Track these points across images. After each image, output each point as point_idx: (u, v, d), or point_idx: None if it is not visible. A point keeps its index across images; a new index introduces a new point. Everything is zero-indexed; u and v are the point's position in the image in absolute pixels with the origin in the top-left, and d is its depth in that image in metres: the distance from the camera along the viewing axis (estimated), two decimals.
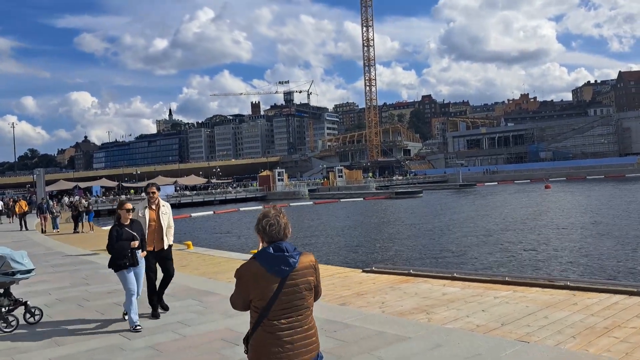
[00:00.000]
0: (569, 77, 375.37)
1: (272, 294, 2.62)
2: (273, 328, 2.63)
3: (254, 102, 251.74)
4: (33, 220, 28.13)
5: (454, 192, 72.73)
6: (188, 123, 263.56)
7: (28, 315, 7.06)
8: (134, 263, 6.44)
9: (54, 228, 24.42)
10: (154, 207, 7.19)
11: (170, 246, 7.29)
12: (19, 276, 6.92)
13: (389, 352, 5.05)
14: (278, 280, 2.63)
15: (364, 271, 10.37)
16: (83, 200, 27.23)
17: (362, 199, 60.99)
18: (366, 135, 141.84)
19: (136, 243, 6.45)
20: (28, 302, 7.12)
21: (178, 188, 78.11)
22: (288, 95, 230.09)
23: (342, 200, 59.64)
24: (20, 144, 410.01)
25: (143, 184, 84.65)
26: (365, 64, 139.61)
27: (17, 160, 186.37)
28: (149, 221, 7.03)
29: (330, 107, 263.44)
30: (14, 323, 6.67)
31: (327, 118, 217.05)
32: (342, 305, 7.44)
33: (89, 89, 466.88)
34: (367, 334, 5.69)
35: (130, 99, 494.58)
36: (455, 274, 8.81)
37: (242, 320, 6.57)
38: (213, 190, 77.78)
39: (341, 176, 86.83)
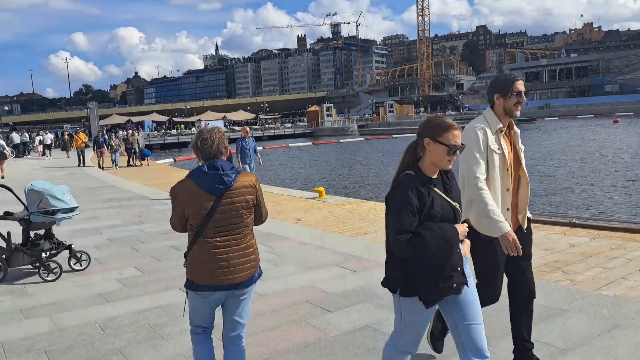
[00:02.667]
0: (635, 4, 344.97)
1: (207, 212, 2.58)
2: (208, 245, 2.61)
3: (299, 36, 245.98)
4: (90, 154, 27.66)
5: None
6: (234, 58, 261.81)
7: (74, 261, 6.06)
8: (459, 287, 2.43)
9: (113, 164, 22.63)
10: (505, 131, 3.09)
11: (529, 220, 3.22)
12: (60, 215, 5.85)
13: (548, 331, 3.62)
14: (213, 199, 2.60)
15: None
16: (136, 134, 26.62)
17: (415, 134, 58.56)
18: (417, 69, 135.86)
19: (465, 229, 2.46)
20: (73, 246, 6.10)
21: (227, 123, 77.63)
22: (335, 27, 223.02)
23: (394, 136, 57.51)
24: (75, 80, 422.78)
25: (193, 118, 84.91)
26: None
27: (72, 95, 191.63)
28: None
29: (379, 39, 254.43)
30: (56, 270, 5.66)
31: (376, 51, 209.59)
32: None
33: (136, 24, 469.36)
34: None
35: (175, 34, 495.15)
36: (574, 220, 7.20)
37: (326, 275, 5.31)
38: (261, 126, 76.92)
39: (392, 111, 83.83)
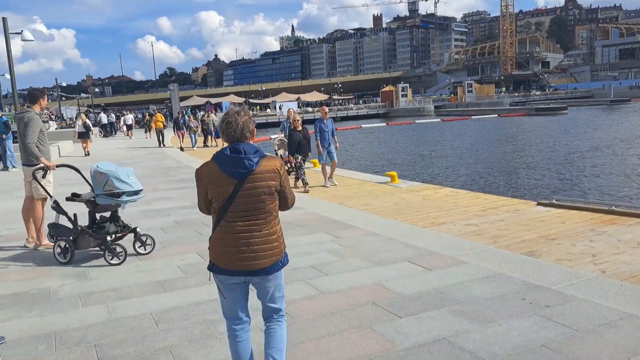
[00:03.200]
0: None
1: (229, 196, 2.53)
2: (229, 229, 2.57)
3: (375, 15, 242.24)
4: (170, 135, 28.34)
5: (604, 108, 64.00)
6: (309, 39, 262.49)
7: (138, 244, 5.96)
8: None
9: (192, 145, 22.87)
10: None
11: None
12: (125, 198, 5.73)
13: None
14: (234, 183, 2.54)
15: (539, 204, 8.05)
16: (212, 114, 27.06)
17: (496, 115, 55.85)
18: (499, 47, 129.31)
19: None
20: (138, 229, 6.00)
21: (301, 104, 77.97)
22: (412, 5, 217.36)
23: (473, 117, 55.07)
24: (160, 63, 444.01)
25: (268, 100, 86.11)
26: None
27: (157, 78, 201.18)
28: None
29: (458, 16, 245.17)
30: (121, 254, 5.56)
31: (455, 29, 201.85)
32: (530, 254, 5.36)
33: (216, 7, 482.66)
34: (610, 316, 3.60)
35: (253, 16, 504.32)
36: None
37: (396, 272, 4.82)
38: (334, 107, 76.54)
39: (470, 91, 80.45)
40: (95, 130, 31.03)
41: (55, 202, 5.95)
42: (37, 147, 6.22)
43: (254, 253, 2.56)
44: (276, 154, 13.13)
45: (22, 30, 16.13)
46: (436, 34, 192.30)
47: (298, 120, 10.90)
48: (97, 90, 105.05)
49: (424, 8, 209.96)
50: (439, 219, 7.34)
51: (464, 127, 44.36)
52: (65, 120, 49.52)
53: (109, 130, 35.81)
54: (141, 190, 5.92)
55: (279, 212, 2.73)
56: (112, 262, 5.54)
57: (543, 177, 16.95)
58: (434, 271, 4.79)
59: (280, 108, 66.44)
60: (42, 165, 6.11)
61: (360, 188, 10.48)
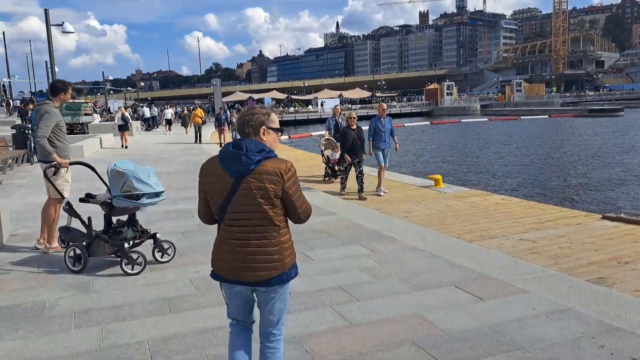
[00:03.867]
0: None
1: (226, 195, 2.33)
2: (227, 234, 2.37)
3: (421, 12, 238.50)
4: (210, 130, 28.03)
5: None
6: (354, 36, 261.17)
7: (158, 251, 5.43)
8: None
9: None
10: None
11: None
12: (144, 200, 5.18)
13: None
14: (231, 181, 2.32)
15: (605, 217, 7.09)
16: None
17: (547, 116, 53.49)
18: (551, 44, 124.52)
19: None
20: (158, 235, 5.46)
21: (343, 101, 77.20)
22: (460, 1, 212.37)
23: (522, 117, 52.89)
24: (206, 58, 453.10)
25: (310, 96, 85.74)
26: None
27: (203, 73, 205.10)
28: None
29: (508, 13, 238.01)
30: (140, 262, 5.02)
31: (504, 26, 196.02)
32: (600, 282, 4.52)
33: (262, 4, 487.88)
34: None
35: (298, 13, 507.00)
36: None
37: (440, 300, 4.07)
38: (375, 105, 75.34)
39: (519, 90, 77.52)
40: (137, 123, 31.25)
41: (68, 203, 5.48)
42: (52, 142, 5.78)
43: (250, 263, 2.32)
44: (322, 155, 12.28)
45: (62, 22, 16.16)
46: (484, 31, 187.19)
47: (354, 118, 9.62)
48: (142, 84, 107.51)
49: (472, 5, 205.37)
50: (489, 231, 6.53)
51: (513, 127, 42.54)
52: (111, 113, 50.55)
53: (151, 124, 36.12)
54: (163, 192, 5.37)
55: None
56: (129, 271, 5.01)
57: (606, 185, 15.43)
58: (486, 301, 4.02)
59: (322, 105, 65.92)
60: (54, 162, 5.68)
61: (402, 192, 9.73)
